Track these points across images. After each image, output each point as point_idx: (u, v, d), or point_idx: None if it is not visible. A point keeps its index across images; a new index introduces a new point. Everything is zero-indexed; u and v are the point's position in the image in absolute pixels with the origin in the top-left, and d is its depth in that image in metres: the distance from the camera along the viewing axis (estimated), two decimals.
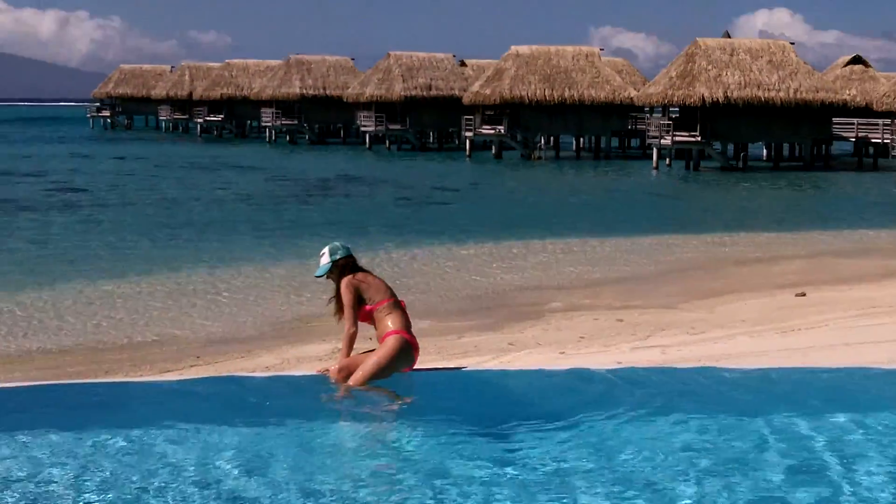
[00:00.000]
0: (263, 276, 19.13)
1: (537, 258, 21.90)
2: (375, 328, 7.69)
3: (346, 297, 7.59)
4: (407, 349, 7.54)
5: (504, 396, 7.76)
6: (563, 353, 11.51)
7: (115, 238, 24.54)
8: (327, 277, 7.75)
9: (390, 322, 7.55)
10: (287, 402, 7.46)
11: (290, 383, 8.24)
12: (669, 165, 53.09)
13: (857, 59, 63.35)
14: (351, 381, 7.51)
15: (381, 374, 7.50)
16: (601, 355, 11.00)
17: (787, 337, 12.11)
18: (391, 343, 7.49)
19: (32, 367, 12.19)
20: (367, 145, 69.19)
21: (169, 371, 11.61)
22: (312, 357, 12.18)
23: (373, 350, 7.66)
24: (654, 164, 52.66)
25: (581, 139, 64.89)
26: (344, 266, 7.74)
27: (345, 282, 7.64)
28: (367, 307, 7.62)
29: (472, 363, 10.15)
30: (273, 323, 15.18)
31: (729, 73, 52.10)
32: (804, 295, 16.48)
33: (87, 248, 22.73)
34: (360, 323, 7.62)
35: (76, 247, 22.96)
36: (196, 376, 9.55)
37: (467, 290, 17.88)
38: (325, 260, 7.72)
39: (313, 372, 8.47)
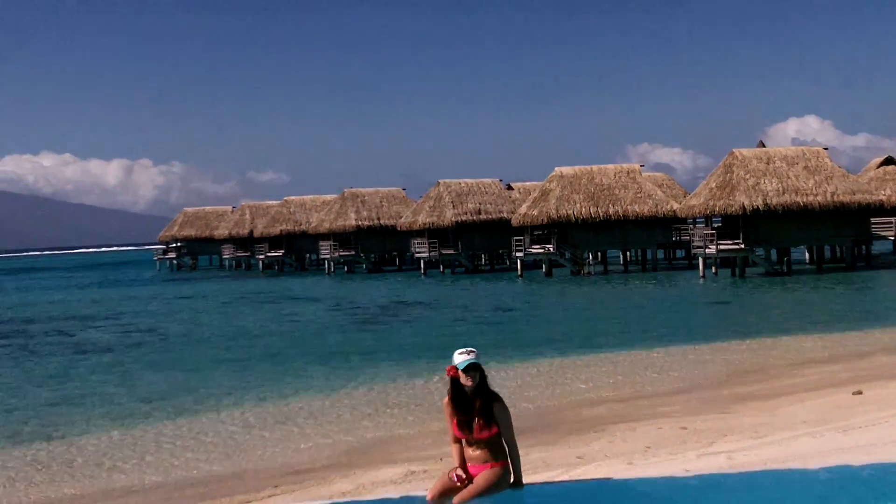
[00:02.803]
0: (331, 404, 19.42)
1: (595, 371, 22.05)
2: (489, 448, 8.03)
3: (510, 417, 8.06)
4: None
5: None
6: (631, 463, 11.41)
7: (186, 374, 24.88)
8: (467, 375, 7.96)
9: (504, 450, 8.11)
10: None
11: None
12: (716, 273, 54.00)
13: (889, 160, 64.13)
14: (457, 499, 7.92)
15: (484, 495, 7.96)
16: (669, 464, 10.91)
17: (848, 435, 12.12)
18: (505, 472, 8.10)
19: None
20: (422, 270, 71.03)
21: (249, 502, 11.78)
22: (387, 481, 12.29)
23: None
24: (701, 273, 53.83)
25: (627, 253, 66.41)
26: (484, 377, 8.12)
27: (504, 403, 8.06)
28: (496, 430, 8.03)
29: (542, 478, 10.14)
30: (344, 449, 15.33)
31: (767, 181, 53.41)
32: (861, 393, 16.57)
33: (158, 385, 22.95)
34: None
35: (149, 384, 23.23)
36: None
37: (528, 405, 17.87)
38: (473, 357, 7.99)
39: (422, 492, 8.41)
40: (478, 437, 8.01)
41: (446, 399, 8.16)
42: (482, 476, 8.00)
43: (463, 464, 8.14)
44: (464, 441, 8.13)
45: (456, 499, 7.90)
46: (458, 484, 8.05)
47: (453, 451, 8.24)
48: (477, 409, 7.96)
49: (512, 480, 8.16)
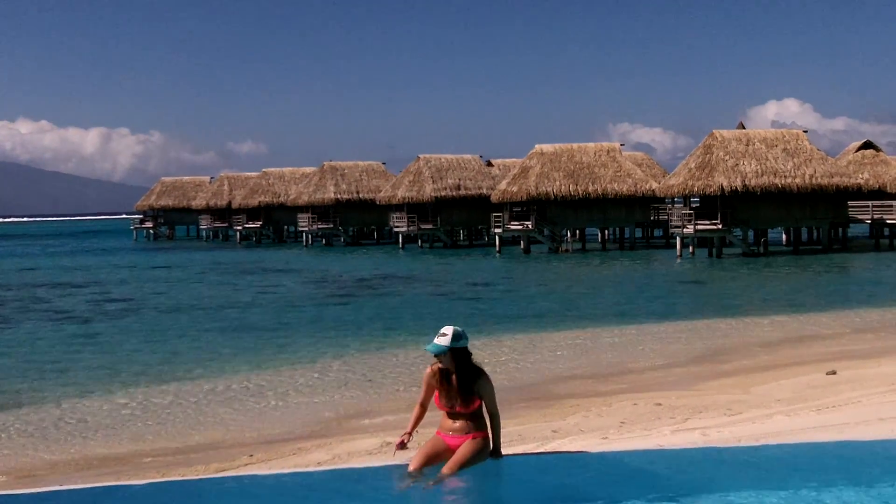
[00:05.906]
0: (307, 375, 19.34)
1: (571, 347, 22.15)
2: (471, 420, 8.07)
3: (493, 390, 8.11)
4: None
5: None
6: (606, 438, 11.41)
7: (160, 344, 24.66)
8: (437, 357, 8.00)
9: (485, 421, 8.15)
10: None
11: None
12: (693, 253, 54.20)
13: (868, 145, 64.64)
14: (444, 472, 7.92)
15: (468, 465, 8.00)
16: (643, 439, 10.99)
17: (822, 414, 12.19)
18: (486, 443, 8.15)
19: (94, 473, 12.34)
20: (400, 245, 70.98)
21: (224, 470, 11.70)
22: (363, 451, 12.32)
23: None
24: (678, 253, 54.01)
25: (606, 231, 66.64)
26: (468, 354, 8.10)
27: (489, 377, 8.11)
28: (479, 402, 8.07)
29: (518, 451, 9.96)
30: (321, 420, 15.36)
31: (746, 163, 53.64)
32: (834, 373, 16.74)
33: (133, 355, 22.75)
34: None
35: (124, 354, 23.03)
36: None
37: (505, 380, 17.82)
38: (444, 343, 7.93)
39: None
40: (460, 410, 8.08)
41: (434, 367, 8.12)
42: (463, 447, 8.04)
43: (412, 429, 8.26)
44: (445, 411, 8.19)
45: (443, 471, 7.93)
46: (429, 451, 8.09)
47: (413, 413, 8.33)
48: (455, 389, 8.02)
49: (491, 449, 8.22)
